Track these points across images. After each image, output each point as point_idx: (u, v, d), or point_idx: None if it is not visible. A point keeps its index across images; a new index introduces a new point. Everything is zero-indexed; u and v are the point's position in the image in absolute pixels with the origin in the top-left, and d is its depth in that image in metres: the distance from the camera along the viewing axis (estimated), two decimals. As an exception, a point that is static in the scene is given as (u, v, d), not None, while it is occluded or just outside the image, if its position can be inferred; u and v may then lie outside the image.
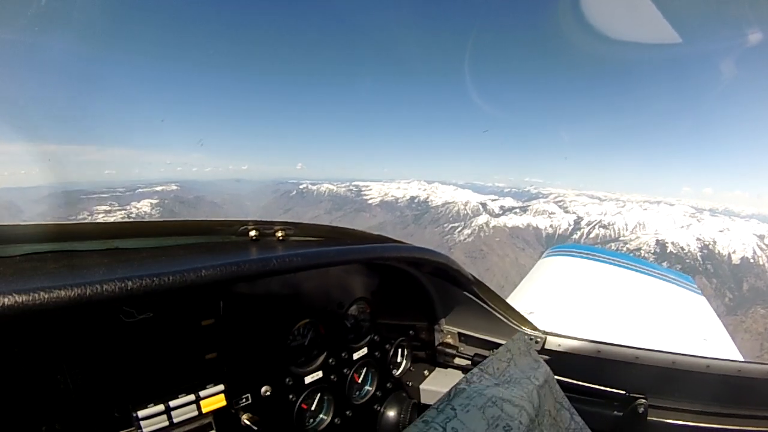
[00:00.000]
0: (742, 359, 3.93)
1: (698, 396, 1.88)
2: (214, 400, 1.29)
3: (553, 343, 2.02)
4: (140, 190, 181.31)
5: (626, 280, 5.80)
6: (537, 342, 2.02)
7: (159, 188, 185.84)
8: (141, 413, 1.15)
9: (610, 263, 6.24)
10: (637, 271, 6.07)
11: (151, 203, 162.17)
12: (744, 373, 1.77)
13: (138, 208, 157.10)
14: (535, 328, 2.08)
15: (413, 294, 2.11)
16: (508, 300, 4.90)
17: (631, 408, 1.89)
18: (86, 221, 1.15)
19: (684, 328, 4.70)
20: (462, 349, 2.19)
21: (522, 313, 2.06)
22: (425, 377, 2.18)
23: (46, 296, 0.75)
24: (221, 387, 1.32)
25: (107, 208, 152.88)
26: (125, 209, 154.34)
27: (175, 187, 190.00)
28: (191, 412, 1.24)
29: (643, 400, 1.87)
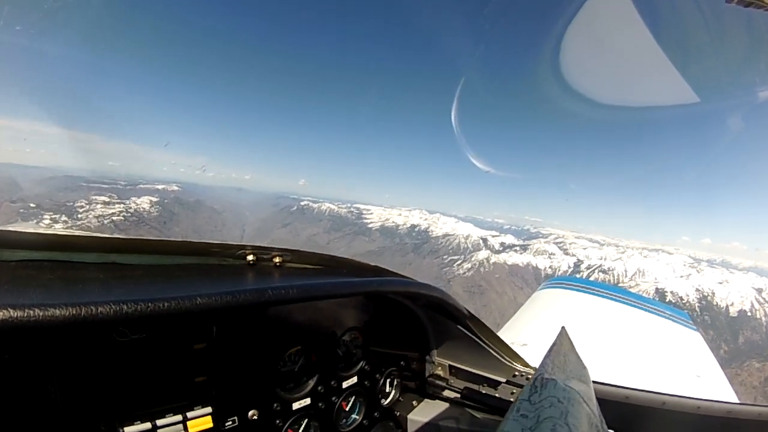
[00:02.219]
0: (735, 397, 4.22)
1: None
2: (201, 421, 1.30)
3: None
4: (141, 186, 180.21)
5: (622, 314, 5.82)
6: (528, 379, 1.99)
7: (160, 187, 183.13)
8: (127, 430, 1.16)
9: (607, 297, 6.24)
10: (633, 306, 6.06)
11: (151, 201, 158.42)
12: (733, 414, 1.78)
13: (137, 204, 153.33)
14: (526, 365, 2.08)
15: (407, 325, 2.10)
16: (504, 330, 5.22)
17: None
18: (85, 233, 1.15)
19: (678, 364, 4.72)
20: (452, 381, 2.17)
21: (516, 344, 2.01)
22: (414, 408, 2.16)
23: (41, 314, 0.75)
24: (209, 409, 1.32)
25: (106, 199, 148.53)
26: (124, 203, 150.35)
27: (176, 188, 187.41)
28: None
29: None
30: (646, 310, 5.96)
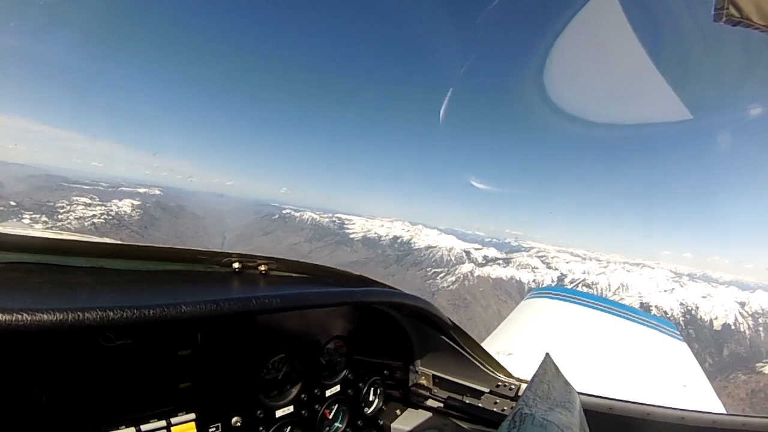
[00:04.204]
0: (722, 407, 4.18)
1: None
2: (184, 427, 1.31)
3: None
4: (123, 188, 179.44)
5: (608, 325, 5.78)
6: (511, 389, 2.03)
7: (142, 190, 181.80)
8: None
9: (594, 307, 6.19)
10: (619, 316, 6.03)
11: (133, 204, 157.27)
12: (719, 425, 1.77)
13: (119, 207, 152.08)
14: (510, 375, 2.09)
15: (391, 334, 2.12)
16: (489, 340, 5.23)
17: None
18: (74, 237, 1.16)
19: (664, 374, 4.67)
20: (435, 391, 2.19)
21: (502, 354, 2.11)
22: (397, 416, 2.19)
23: (29, 318, 0.77)
24: (192, 415, 1.33)
25: (87, 200, 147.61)
26: (105, 205, 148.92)
27: (158, 192, 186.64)
28: None
29: None
30: (632, 320, 5.98)
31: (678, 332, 5.99)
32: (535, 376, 1.40)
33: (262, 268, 1.51)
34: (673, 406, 1.85)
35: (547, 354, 1.57)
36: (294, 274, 1.62)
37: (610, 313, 6.02)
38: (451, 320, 1.88)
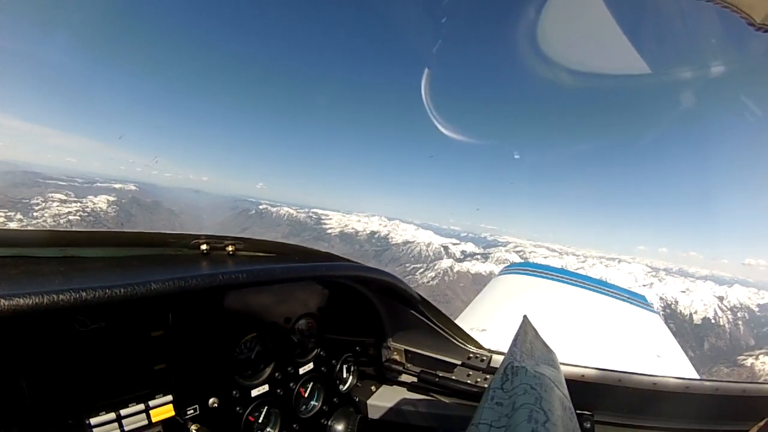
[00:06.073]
0: (696, 375, 4.27)
1: (645, 412, 1.90)
2: (163, 410, 1.32)
3: (498, 361, 2.02)
4: (99, 184, 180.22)
5: (580, 298, 5.82)
6: (483, 360, 2.05)
7: (118, 186, 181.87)
8: (93, 421, 1.18)
9: (566, 282, 6.24)
10: (591, 289, 6.07)
11: (108, 200, 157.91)
12: (692, 389, 1.79)
13: (94, 203, 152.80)
14: (480, 347, 2.11)
15: (361, 310, 2.11)
16: (463, 316, 5.50)
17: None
18: (45, 228, 1.18)
19: (637, 345, 4.72)
20: (408, 366, 2.21)
21: (475, 329, 2.18)
22: (372, 393, 2.21)
23: (6, 303, 0.79)
24: (170, 397, 1.34)
25: (63, 197, 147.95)
26: (81, 202, 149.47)
27: (133, 188, 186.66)
28: (141, 421, 1.27)
29: (590, 417, 1.89)
30: (604, 293, 5.99)
31: (650, 304, 6.18)
32: (517, 334, 1.41)
33: (230, 248, 1.52)
34: (644, 373, 1.88)
35: (525, 316, 1.58)
36: (261, 254, 1.62)
37: (582, 287, 6.11)
38: (419, 294, 1.90)
